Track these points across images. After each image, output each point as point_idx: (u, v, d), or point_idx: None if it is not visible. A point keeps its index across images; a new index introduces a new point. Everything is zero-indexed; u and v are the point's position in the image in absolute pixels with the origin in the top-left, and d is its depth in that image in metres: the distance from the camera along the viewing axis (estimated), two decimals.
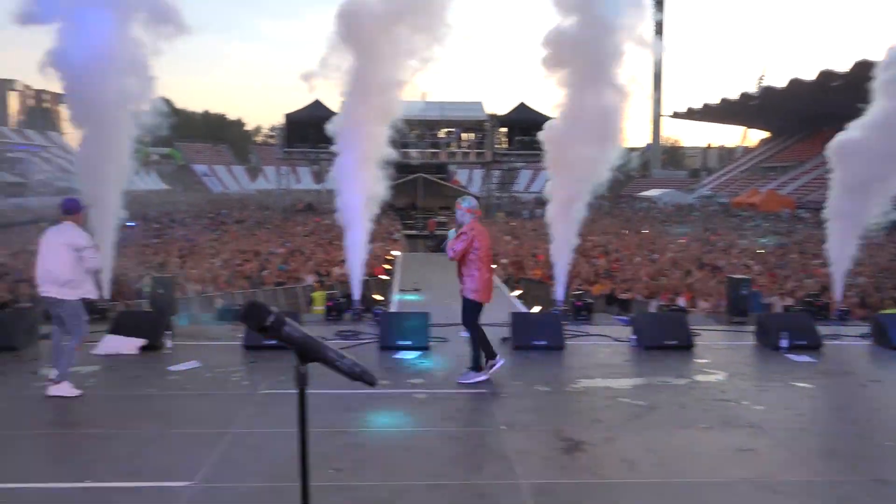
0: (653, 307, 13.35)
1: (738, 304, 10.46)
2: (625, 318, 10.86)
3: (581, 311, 10.38)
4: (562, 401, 6.46)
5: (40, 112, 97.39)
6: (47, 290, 6.51)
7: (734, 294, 10.55)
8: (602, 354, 8.23)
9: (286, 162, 48.21)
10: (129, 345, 8.05)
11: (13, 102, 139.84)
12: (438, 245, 22.35)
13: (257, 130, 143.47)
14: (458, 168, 64.92)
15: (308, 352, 2.04)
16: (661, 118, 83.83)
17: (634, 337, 8.66)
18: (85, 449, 5.17)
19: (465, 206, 6.94)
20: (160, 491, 4.46)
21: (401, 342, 8.26)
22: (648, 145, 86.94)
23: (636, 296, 14.80)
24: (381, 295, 13.98)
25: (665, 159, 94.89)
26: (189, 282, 15.00)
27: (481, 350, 6.98)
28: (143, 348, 8.10)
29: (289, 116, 44.42)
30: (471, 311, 6.86)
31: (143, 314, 8.96)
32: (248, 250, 19.68)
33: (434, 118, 44.34)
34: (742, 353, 8.38)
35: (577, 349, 8.47)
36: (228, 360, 7.78)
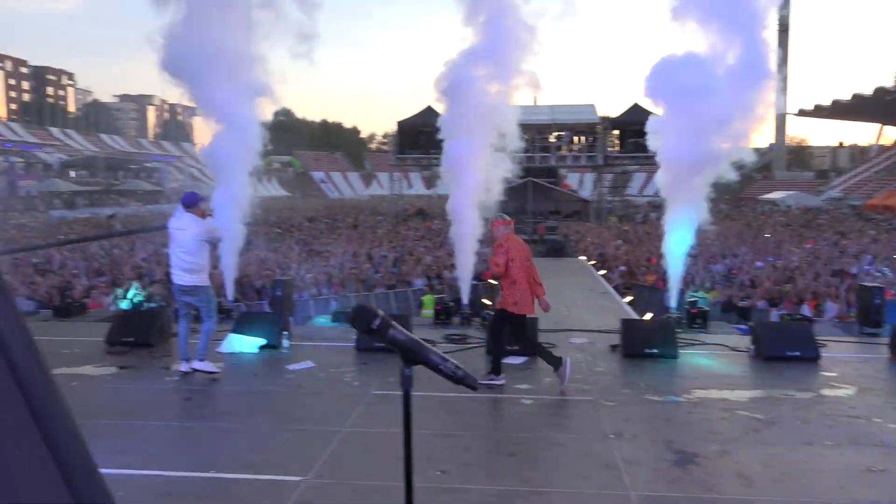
0: (774, 316, 12.71)
1: (870, 314, 9.85)
2: (743, 326, 10.41)
3: (696, 318, 10.00)
4: (674, 411, 6.22)
5: (175, 124, 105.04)
6: (181, 277, 7.00)
7: (867, 303, 9.94)
8: (718, 364, 7.89)
9: (399, 168, 49.19)
10: (249, 344, 8.28)
11: (151, 116, 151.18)
12: (550, 249, 22.10)
13: (371, 138, 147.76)
14: (569, 172, 64.19)
15: (412, 354, 2.07)
16: (786, 116, 79.49)
17: (753, 347, 8.26)
18: (210, 441, 5.40)
19: (496, 219, 7.08)
20: (275, 484, 4.59)
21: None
22: (772, 145, 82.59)
23: (756, 303, 14.16)
24: (490, 299, 14.06)
25: (790, 160, 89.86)
26: (306, 284, 15.52)
27: (493, 361, 6.99)
28: (262, 347, 8.32)
29: (401, 124, 45.38)
30: (500, 320, 6.90)
31: (262, 315, 9.20)
32: (361, 254, 20.11)
33: (544, 121, 44.02)
34: (874, 367, 7.84)
35: (691, 358, 8.15)
36: (341, 360, 7.92)
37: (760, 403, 6.45)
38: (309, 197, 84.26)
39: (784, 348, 8.05)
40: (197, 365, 7.28)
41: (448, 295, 14.03)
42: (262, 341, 8.32)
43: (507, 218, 7.10)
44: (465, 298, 10.47)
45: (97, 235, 22.51)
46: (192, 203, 7.18)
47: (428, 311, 12.85)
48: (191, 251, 7.01)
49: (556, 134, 45.20)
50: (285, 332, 8.66)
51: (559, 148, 44.95)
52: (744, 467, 4.91)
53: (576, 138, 45.50)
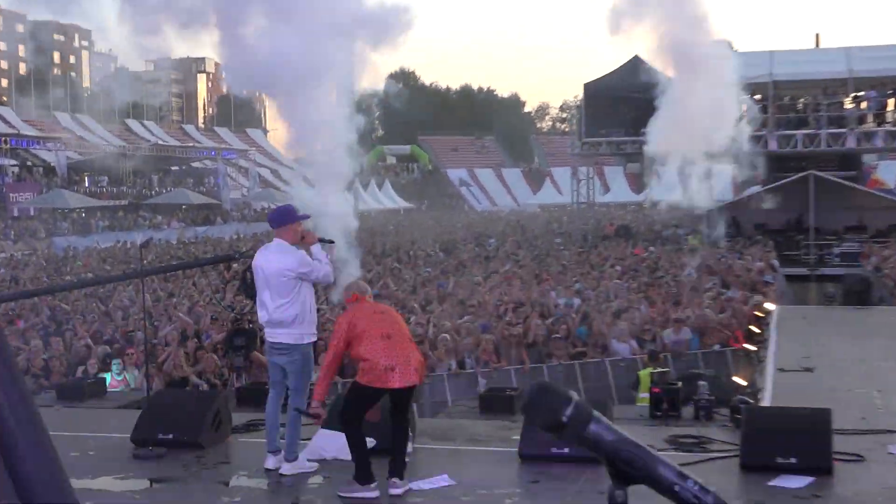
0: None
1: None
2: None
3: None
4: None
5: (236, 102, 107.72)
6: (273, 334, 7.89)
7: None
8: None
9: (586, 159, 48.80)
10: (345, 445, 8.35)
11: (202, 89, 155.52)
12: (849, 293, 21.05)
13: (542, 112, 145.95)
14: (879, 158, 61.53)
15: (628, 467, 2.00)
16: None
17: None
18: None
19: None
20: None
21: (780, 460, 7.97)
22: None
23: None
24: (745, 377, 13.74)
25: None
26: (439, 348, 15.79)
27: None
28: (371, 450, 8.46)
29: (589, 87, 45.41)
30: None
31: None
32: (526, 301, 20.11)
33: (835, 75, 42.58)
34: None
35: None
36: (496, 475, 8.01)
37: None
38: (441, 208, 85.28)
39: None
40: (285, 469, 7.90)
41: (672, 370, 14.05)
42: (371, 442, 8.46)
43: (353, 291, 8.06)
44: (704, 375, 10.22)
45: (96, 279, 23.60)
46: (282, 222, 7.93)
47: (643, 396, 13.03)
48: (281, 292, 7.77)
49: (852, 96, 43.42)
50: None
51: (861, 119, 43.15)
52: None
53: (890, 102, 43.52)
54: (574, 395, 2.03)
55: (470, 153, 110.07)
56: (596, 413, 2.04)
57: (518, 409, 9.93)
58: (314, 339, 8.26)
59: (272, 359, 8.05)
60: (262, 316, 8.04)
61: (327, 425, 8.74)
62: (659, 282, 23.15)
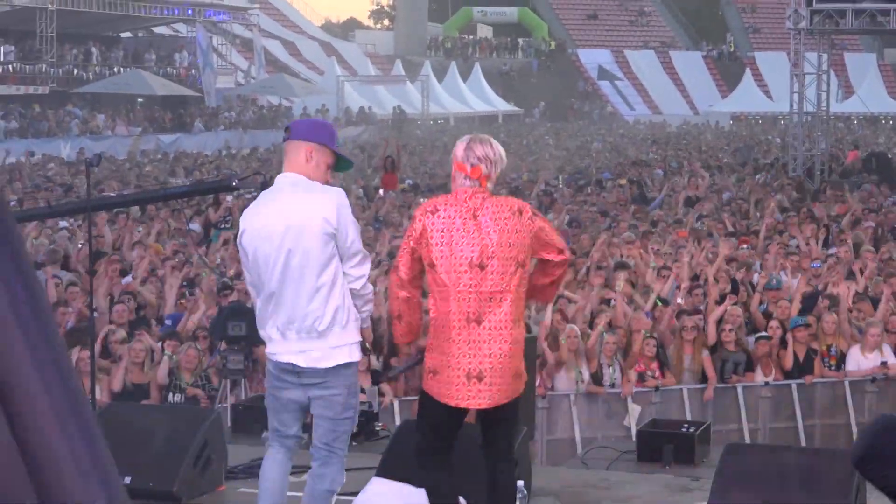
0: None
1: None
2: None
3: None
4: None
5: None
6: (290, 350, 6.40)
7: None
8: None
9: (816, 40, 33.01)
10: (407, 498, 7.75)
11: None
12: None
13: None
14: None
15: None
16: None
17: None
18: None
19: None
20: None
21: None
22: None
23: None
24: None
25: None
26: (562, 346, 12.98)
27: None
28: None
29: None
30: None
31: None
32: (713, 276, 15.39)
33: None
34: None
35: None
36: None
37: None
38: (571, 117, 68.06)
39: None
40: None
41: None
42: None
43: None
44: None
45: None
46: (319, 140, 6.44)
47: None
48: (316, 267, 6.24)
49: None
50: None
51: None
52: None
53: None
54: None
55: (619, 23, 78.90)
56: None
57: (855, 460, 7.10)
58: (356, 359, 6.42)
59: (282, 392, 6.39)
60: (268, 317, 6.25)
61: (385, 471, 7.95)
62: None
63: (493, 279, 6.27)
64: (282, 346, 6.42)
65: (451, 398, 6.31)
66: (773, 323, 13.37)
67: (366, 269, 6.57)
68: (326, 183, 6.53)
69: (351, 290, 6.38)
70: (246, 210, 6.63)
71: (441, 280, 6.25)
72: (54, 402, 1.67)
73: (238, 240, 6.50)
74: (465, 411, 6.43)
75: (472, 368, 6.26)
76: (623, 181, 28.43)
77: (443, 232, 6.26)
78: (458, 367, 6.28)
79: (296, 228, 6.25)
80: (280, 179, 6.38)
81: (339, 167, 6.79)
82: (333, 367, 6.44)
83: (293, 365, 6.38)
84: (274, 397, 6.59)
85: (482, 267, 6.24)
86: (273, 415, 6.61)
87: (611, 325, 13.34)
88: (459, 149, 6.42)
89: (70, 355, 9.64)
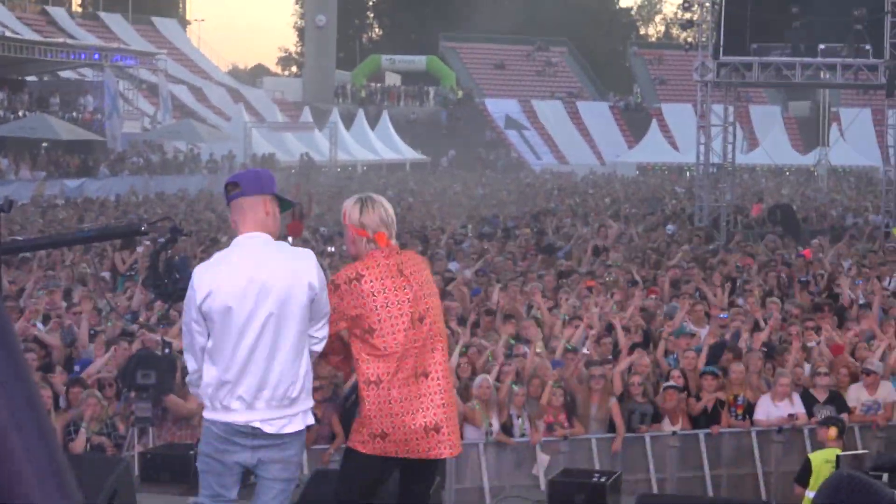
0: None
1: None
2: None
3: None
4: None
5: None
6: (254, 416, 6.14)
7: None
8: None
9: (722, 92, 34.34)
10: None
11: None
12: None
13: (648, 10, 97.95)
14: None
15: None
16: None
17: None
18: None
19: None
20: None
21: None
22: None
23: None
24: None
25: None
26: (472, 397, 12.96)
27: None
28: None
29: None
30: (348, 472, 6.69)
31: None
32: (623, 324, 15.14)
33: None
34: None
35: None
36: None
37: None
38: (477, 165, 67.14)
39: None
40: None
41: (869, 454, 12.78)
42: None
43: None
44: None
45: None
46: (268, 191, 6.35)
47: (811, 497, 11.14)
48: (294, 338, 6.13)
49: None
50: None
51: None
52: None
53: None
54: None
55: (526, 73, 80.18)
56: None
57: None
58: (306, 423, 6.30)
59: (228, 456, 6.01)
60: (230, 385, 5.91)
61: None
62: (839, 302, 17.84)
63: (432, 329, 6.31)
64: (245, 415, 6.17)
65: (412, 453, 6.26)
66: (675, 373, 13.38)
67: (326, 331, 6.40)
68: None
69: (312, 351, 6.30)
70: (201, 271, 6.22)
71: (378, 344, 6.19)
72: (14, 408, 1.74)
73: (198, 303, 6.07)
74: (399, 466, 6.44)
75: (429, 421, 6.22)
76: (527, 230, 28.71)
77: (375, 295, 6.19)
78: (413, 423, 6.21)
79: (279, 292, 6.08)
80: (246, 240, 6.12)
81: (283, 209, 6.58)
82: (298, 433, 6.33)
83: (256, 430, 6.15)
84: (216, 461, 6.27)
85: (422, 319, 6.26)
86: (213, 479, 6.27)
87: (518, 376, 13.28)
88: (353, 213, 6.35)
89: None
